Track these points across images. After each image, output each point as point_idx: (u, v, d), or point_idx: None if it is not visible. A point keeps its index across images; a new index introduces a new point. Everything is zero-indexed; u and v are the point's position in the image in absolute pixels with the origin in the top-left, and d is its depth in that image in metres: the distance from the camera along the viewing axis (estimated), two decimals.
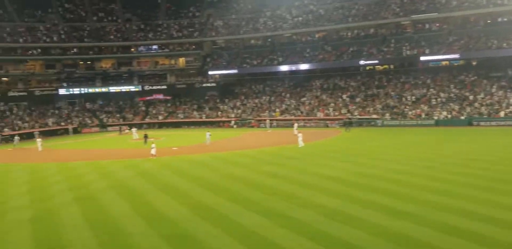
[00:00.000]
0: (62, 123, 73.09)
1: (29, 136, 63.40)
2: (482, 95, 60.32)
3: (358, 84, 72.14)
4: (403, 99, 64.75)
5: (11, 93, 75.24)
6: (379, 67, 74.83)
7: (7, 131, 64.20)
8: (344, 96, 69.75)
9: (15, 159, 43.83)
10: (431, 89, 64.74)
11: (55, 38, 79.64)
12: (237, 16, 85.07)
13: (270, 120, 67.29)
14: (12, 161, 42.69)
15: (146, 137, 49.95)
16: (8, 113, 72.35)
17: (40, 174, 33.59)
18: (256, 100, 76.03)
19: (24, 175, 33.26)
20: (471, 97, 60.64)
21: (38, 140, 51.29)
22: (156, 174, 30.68)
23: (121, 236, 16.87)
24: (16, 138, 54.78)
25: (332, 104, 68.26)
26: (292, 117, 67.48)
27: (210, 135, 48.72)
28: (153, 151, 38.68)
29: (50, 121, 72.57)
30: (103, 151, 47.93)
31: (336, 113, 65.78)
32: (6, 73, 77.21)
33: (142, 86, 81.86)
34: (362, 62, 70.24)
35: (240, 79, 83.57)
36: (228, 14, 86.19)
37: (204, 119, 74.51)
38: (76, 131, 71.96)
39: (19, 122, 69.29)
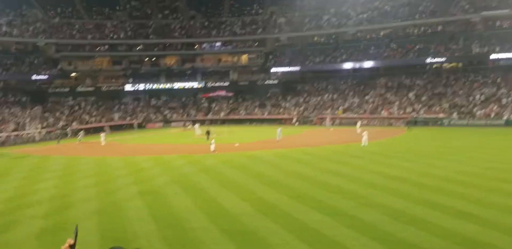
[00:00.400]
0: (127, 118, 74.91)
1: (97, 130, 65.32)
2: None
3: (424, 83, 70.33)
4: (472, 98, 62.64)
5: (79, 89, 77.70)
6: (447, 66, 72.70)
7: (75, 125, 66.31)
8: (410, 94, 68.18)
9: (83, 152, 45.13)
10: (502, 89, 62.32)
11: (121, 35, 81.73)
12: (301, 13, 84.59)
13: (331, 118, 66.63)
14: (79, 154, 43.97)
15: (208, 133, 50.27)
16: (76, 108, 74.71)
17: (106, 167, 34.44)
18: (319, 98, 75.45)
19: (90, 168, 34.18)
20: None
21: (102, 134, 52.37)
22: (218, 169, 30.85)
23: (183, 230, 16.98)
24: (81, 132, 56.21)
25: (397, 103, 66.87)
26: (355, 115, 66.58)
27: (281, 130, 48.94)
28: (212, 147, 38.92)
29: (116, 116, 74.51)
30: (166, 146, 48.71)
31: (401, 112, 64.41)
32: (75, 69, 79.84)
33: (205, 83, 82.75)
34: (428, 60, 68.43)
35: (302, 77, 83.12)
36: (291, 11, 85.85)
37: (266, 116, 74.60)
38: (140, 126, 73.58)
39: (87, 116, 71.45)
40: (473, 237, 15.02)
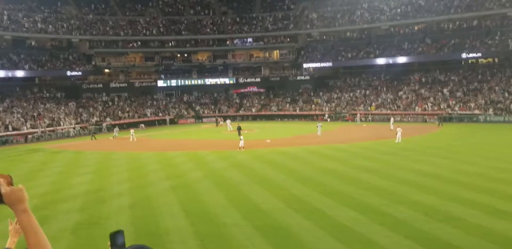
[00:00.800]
0: (160, 114, 75.57)
1: (131, 126, 66.11)
2: None
3: (459, 78, 69.08)
4: (508, 94, 61.29)
5: (112, 85, 78.63)
6: (483, 61, 71.25)
7: (109, 121, 67.20)
8: (444, 90, 67.06)
9: (116, 148, 45.68)
10: None
11: (154, 31, 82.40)
12: (333, 8, 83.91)
13: (360, 114, 66.01)
14: (113, 149, 44.52)
15: (239, 129, 50.20)
16: (110, 103, 75.67)
17: (139, 162, 34.82)
18: (351, 94, 74.84)
19: (124, 163, 34.59)
20: None
21: (132, 130, 52.22)
22: (250, 165, 30.88)
23: (215, 226, 17.04)
24: (116, 129, 56.70)
25: (431, 99, 65.87)
26: (388, 111, 65.84)
27: (321, 126, 49.36)
28: (241, 143, 38.93)
29: (148, 112, 75.23)
30: (198, 141, 48.98)
31: (435, 108, 63.44)
32: (109, 65, 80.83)
33: (237, 79, 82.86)
34: (464, 55, 67.07)
35: (334, 72, 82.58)
36: (323, 6, 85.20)
37: (297, 112, 74.36)
38: (172, 122, 74.11)
39: (120, 112, 72.31)
40: (510, 235, 14.70)
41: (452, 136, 45.33)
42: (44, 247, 2.65)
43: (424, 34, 74.54)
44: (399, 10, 76.42)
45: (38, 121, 60.29)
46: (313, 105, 74.74)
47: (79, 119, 65.39)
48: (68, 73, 72.39)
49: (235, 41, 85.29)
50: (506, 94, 61.37)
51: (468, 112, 60.39)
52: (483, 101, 61.36)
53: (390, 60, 73.64)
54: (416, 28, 76.68)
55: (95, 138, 54.25)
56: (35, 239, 2.63)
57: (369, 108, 68.98)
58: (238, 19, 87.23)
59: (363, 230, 15.77)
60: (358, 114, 65.53)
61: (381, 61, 74.72)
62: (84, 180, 27.65)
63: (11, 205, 2.60)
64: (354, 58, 77.21)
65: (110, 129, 62.66)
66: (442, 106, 63.05)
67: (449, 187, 21.85)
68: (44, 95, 70.84)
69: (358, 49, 77.92)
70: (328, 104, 73.53)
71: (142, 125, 66.80)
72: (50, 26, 73.65)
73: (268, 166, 30.16)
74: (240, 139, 39.37)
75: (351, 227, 16.21)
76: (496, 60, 70.14)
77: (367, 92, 74.04)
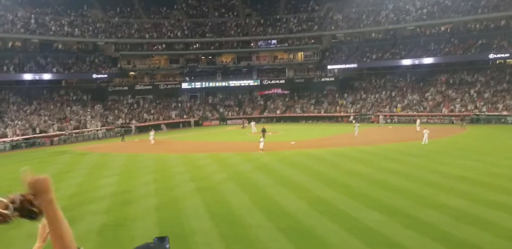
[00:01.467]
0: (185, 116, 75.93)
1: (156, 128, 66.74)
2: None
3: (487, 79, 68.03)
4: None
5: (137, 87, 79.24)
6: (511, 61, 70.08)
7: (135, 123, 67.75)
8: (472, 91, 66.13)
9: (142, 150, 45.98)
10: None
11: (178, 34, 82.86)
12: (358, 9, 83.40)
13: (385, 116, 65.36)
14: (139, 151, 44.83)
15: (264, 131, 49.70)
16: (135, 106, 76.30)
17: (165, 164, 35.00)
18: (377, 95, 74.28)
19: (150, 165, 34.80)
20: None
21: (151, 133, 51.12)
22: (275, 167, 30.83)
23: (240, 228, 17.02)
24: (152, 132, 52.40)
25: (458, 100, 65.01)
26: (414, 113, 65.15)
27: (359, 126, 50.63)
28: (261, 145, 38.78)
29: (173, 114, 75.65)
30: (223, 143, 49.06)
31: (462, 110, 62.59)
32: (134, 67, 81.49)
33: (261, 81, 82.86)
34: (491, 56, 66.06)
35: (359, 74, 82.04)
36: (348, 7, 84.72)
37: (322, 114, 74.06)
38: (197, 124, 74.41)
39: (145, 114, 72.86)
40: None
41: (480, 137, 44.66)
42: (68, 240, 2.63)
43: (451, 35, 73.61)
44: (425, 10, 75.59)
45: (65, 124, 61.07)
46: (337, 107, 74.35)
47: (104, 121, 66.04)
48: (94, 76, 73.20)
49: (259, 43, 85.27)
50: None
51: (496, 113, 59.47)
52: (511, 102, 60.36)
53: (416, 61, 72.88)
54: (442, 28, 75.76)
55: (124, 139, 54.67)
56: (59, 231, 2.61)
57: (394, 110, 68.36)
58: (262, 21, 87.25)
59: (389, 233, 15.60)
60: (381, 116, 64.81)
61: (406, 62, 74.01)
62: (111, 181, 27.88)
63: (37, 195, 2.57)
64: (379, 59, 76.64)
65: (139, 130, 63.51)
66: (469, 108, 62.18)
67: (476, 189, 21.50)
68: (71, 98, 71.72)
69: (383, 50, 77.30)
70: (353, 106, 73.08)
71: (164, 126, 67.02)
72: (77, 29, 74.58)
73: (293, 168, 30.06)
74: (260, 141, 39.21)
75: (377, 229, 16.04)
76: None
77: (393, 93, 73.39)
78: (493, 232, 15.17)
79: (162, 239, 3.08)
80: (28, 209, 2.60)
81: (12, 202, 2.58)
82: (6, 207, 2.56)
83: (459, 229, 15.75)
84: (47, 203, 2.59)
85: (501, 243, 14.22)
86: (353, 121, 63.62)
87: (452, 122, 60.50)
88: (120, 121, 67.71)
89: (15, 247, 15.01)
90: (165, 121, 71.29)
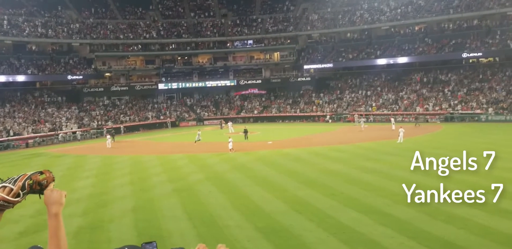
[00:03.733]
0: (161, 117, 75.53)
1: (132, 129, 66.62)
2: None
3: (460, 78, 69.00)
4: (510, 93, 61.21)
5: (113, 88, 78.56)
6: (483, 60, 71.16)
7: (110, 124, 67.22)
8: (445, 90, 67.02)
9: (118, 151, 45.62)
10: None
11: (154, 35, 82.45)
12: (333, 9, 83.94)
13: (359, 115, 65.80)
14: (115, 153, 44.47)
15: (246, 131, 49.25)
16: (111, 107, 75.70)
17: (142, 165, 34.79)
18: (352, 95, 74.82)
19: (126, 166, 34.58)
20: None
21: (108, 136, 50.39)
22: (252, 167, 30.85)
23: (218, 228, 17.02)
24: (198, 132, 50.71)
25: (432, 99, 65.83)
26: (390, 112, 65.76)
27: (365, 121, 53.29)
28: (230, 145, 38.74)
29: (149, 115, 75.23)
30: (200, 144, 48.86)
31: (437, 108, 63.39)
32: (109, 68, 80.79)
33: (238, 81, 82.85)
34: (464, 55, 67.02)
35: (335, 73, 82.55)
36: (323, 8, 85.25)
37: (298, 114, 74.35)
38: (174, 125, 74.07)
39: (121, 116, 72.31)
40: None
41: (454, 135, 45.24)
42: None
43: (425, 34, 74.49)
44: (399, 10, 76.41)
45: (39, 126, 60.31)
46: (314, 107, 74.71)
47: (80, 123, 65.37)
48: (69, 77, 72.42)
49: (236, 43, 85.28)
50: (508, 94, 61.30)
51: (469, 111, 60.33)
52: (484, 100, 61.31)
53: (391, 61, 73.63)
54: (416, 28, 76.62)
55: (113, 140, 54.05)
56: (58, 241, 2.76)
57: (370, 109, 68.91)
58: (238, 21, 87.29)
59: (366, 231, 15.73)
60: (356, 115, 65.16)
61: (381, 61, 74.73)
62: (86, 183, 27.64)
63: (48, 205, 2.79)
64: (354, 59, 77.24)
65: (125, 131, 64.47)
66: (443, 106, 62.99)
67: (453, 186, 21.73)
68: (45, 100, 70.86)
69: (359, 50, 77.91)
70: (330, 106, 73.51)
71: (122, 127, 65.60)
72: (51, 30, 73.73)
73: (270, 168, 30.12)
74: (229, 141, 39.10)
75: (354, 228, 16.17)
76: (497, 59, 70.03)
77: (368, 93, 74.01)
78: (468, 229, 15.41)
79: (150, 244, 3.15)
80: (37, 190, 2.82)
81: (22, 188, 2.74)
82: (15, 194, 2.70)
83: (435, 226, 15.95)
84: (54, 215, 2.82)
85: (476, 240, 14.45)
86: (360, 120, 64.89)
87: (427, 121, 61.20)
88: (96, 123, 67.07)
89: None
90: (141, 123, 70.92)
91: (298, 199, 20.79)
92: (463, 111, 60.68)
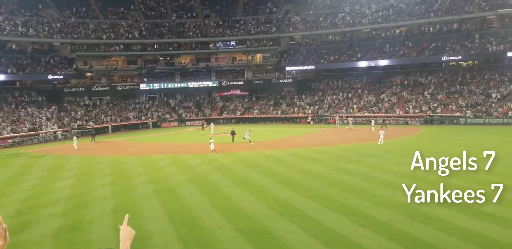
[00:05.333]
0: (143, 118, 75.21)
1: (113, 130, 66.31)
2: None
3: (440, 81, 69.78)
4: (488, 96, 62.06)
5: (94, 88, 78.04)
6: (463, 64, 72.05)
7: (91, 124, 66.79)
8: (425, 93, 67.72)
9: (99, 152, 45.39)
10: None
11: (136, 35, 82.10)
12: (315, 11, 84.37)
13: (340, 117, 66.14)
14: (96, 153, 44.23)
15: (233, 133, 48.40)
16: (92, 107, 75.20)
17: (122, 166, 34.64)
18: (334, 97, 75.24)
19: (107, 167, 34.39)
20: None
21: (74, 138, 49.54)
22: (234, 168, 30.88)
23: (199, 229, 17.03)
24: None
25: (413, 101, 66.46)
26: (370, 114, 66.26)
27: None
28: (211, 146, 38.71)
29: (131, 115, 74.87)
30: (182, 145, 48.85)
31: (417, 111, 64.01)
32: (91, 68, 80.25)
33: (220, 82, 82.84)
34: (444, 58, 67.81)
35: (317, 75, 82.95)
36: (306, 10, 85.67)
37: (280, 115, 74.56)
38: (155, 125, 73.79)
39: (103, 116, 71.85)
40: (492, 237, 14.90)
41: (433, 137, 45.74)
42: None
43: (405, 37, 75.22)
44: (380, 13, 77.05)
45: (19, 126, 59.70)
46: (296, 108, 74.98)
47: (60, 123, 64.82)
48: (50, 77, 71.78)
49: (218, 44, 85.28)
50: (487, 97, 62.13)
51: (448, 114, 61.05)
52: (464, 103, 62.07)
53: (372, 63, 74.25)
54: (397, 31, 77.33)
55: (94, 140, 53.65)
56: None
57: (351, 111, 69.35)
58: (220, 22, 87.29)
59: (346, 233, 15.87)
60: (337, 117, 65.50)
61: (363, 64, 75.28)
62: (67, 184, 27.45)
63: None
64: (336, 61, 77.72)
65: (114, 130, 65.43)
66: (423, 109, 63.64)
67: (431, 188, 21.99)
68: (25, 100, 70.16)
69: (340, 52, 78.38)
70: (311, 107, 73.84)
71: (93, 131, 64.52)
72: (31, 29, 73.04)
73: (252, 169, 30.18)
74: (210, 142, 39.07)
75: (334, 229, 16.30)
76: (476, 63, 70.94)
77: (349, 95, 74.48)
78: (446, 231, 15.61)
79: None
80: None
81: None
82: None
83: (413, 227, 16.16)
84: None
85: (454, 241, 14.66)
86: (311, 121, 65.36)
87: (407, 123, 61.80)
88: (77, 123, 66.57)
89: None
90: (123, 123, 70.63)
91: (279, 200, 20.89)
92: (443, 114, 61.38)
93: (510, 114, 57.04)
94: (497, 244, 14.19)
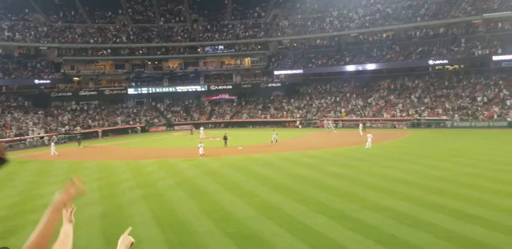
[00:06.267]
0: (131, 122, 74.92)
1: (97, 135, 65.99)
2: None
3: (427, 85, 70.23)
4: (474, 100, 62.54)
5: (82, 93, 77.67)
6: (449, 67, 72.61)
7: (78, 129, 66.40)
8: (412, 96, 68.10)
9: (86, 157, 45.14)
10: (504, 90, 62.17)
11: (124, 39, 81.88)
12: (303, 16, 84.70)
13: (327, 120, 66.29)
14: (83, 158, 43.99)
15: (225, 138, 47.72)
16: (79, 112, 74.79)
17: (110, 171, 34.47)
18: (322, 101, 75.43)
19: (94, 172, 34.21)
20: None
21: (52, 144, 48.58)
22: (222, 173, 30.84)
23: (187, 234, 16.97)
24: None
25: (400, 105, 66.81)
26: (358, 118, 66.48)
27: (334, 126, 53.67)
28: (200, 150, 38.64)
29: (119, 120, 74.54)
30: (170, 149, 48.72)
31: (404, 114, 64.36)
32: (78, 73, 79.95)
33: (208, 86, 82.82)
34: (431, 62, 68.30)
35: (305, 79, 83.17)
36: (294, 14, 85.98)
37: (269, 119, 74.61)
38: (144, 130, 73.53)
39: (90, 121, 71.47)
40: (477, 239, 14.98)
41: (420, 141, 46.02)
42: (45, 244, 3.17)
43: (392, 42, 75.72)
44: (368, 18, 77.50)
45: (5, 131, 59.24)
46: (284, 112, 75.10)
47: (47, 128, 64.38)
48: (36, 81, 71.42)
49: (206, 48, 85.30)
50: (472, 100, 62.60)
51: (435, 118, 61.42)
52: (450, 107, 62.49)
53: (360, 67, 74.62)
54: (384, 35, 77.81)
55: (80, 145, 53.34)
56: (46, 234, 3.26)
57: (339, 114, 69.57)
58: (209, 27, 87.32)
59: (335, 236, 15.88)
60: (325, 121, 65.65)
61: (350, 68, 75.62)
62: (54, 189, 27.09)
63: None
64: (324, 65, 78.03)
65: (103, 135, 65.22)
66: (410, 112, 63.98)
67: (418, 192, 22.15)
68: (12, 104, 69.64)
69: (328, 57, 78.72)
70: (300, 111, 73.97)
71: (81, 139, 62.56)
72: (17, 33, 72.65)
73: (240, 173, 30.17)
74: (199, 147, 38.96)
75: (323, 233, 16.30)
76: (462, 66, 71.50)
77: (337, 99, 74.71)
78: (434, 233, 15.67)
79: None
80: None
81: None
82: None
83: (401, 231, 16.19)
84: (58, 209, 3.32)
85: (442, 244, 14.71)
86: (300, 125, 65.67)
87: (395, 127, 62.09)
88: (65, 128, 66.14)
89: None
90: (111, 128, 70.31)
91: (268, 205, 20.87)
92: (430, 118, 61.75)
93: (495, 118, 57.48)
94: (485, 247, 14.27)
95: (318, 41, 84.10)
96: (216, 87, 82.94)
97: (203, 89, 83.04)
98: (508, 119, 56.15)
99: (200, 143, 40.66)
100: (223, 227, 17.55)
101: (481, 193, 21.30)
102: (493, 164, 29.63)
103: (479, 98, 62.37)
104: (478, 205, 19.04)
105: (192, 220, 18.80)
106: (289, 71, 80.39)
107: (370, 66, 73.52)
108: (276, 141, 47.01)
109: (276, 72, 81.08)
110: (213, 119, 78.64)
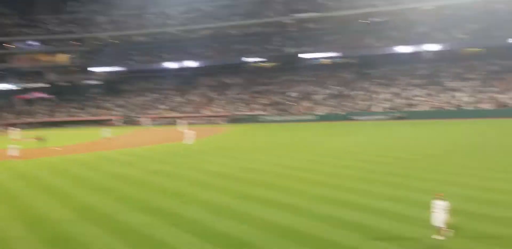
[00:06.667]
0: None
1: None
2: (359, 91, 63.51)
3: (245, 82, 73.12)
4: (287, 95, 66.49)
5: None
6: (265, 65, 76.33)
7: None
8: (231, 93, 70.42)
9: None
10: (314, 86, 67.04)
11: None
12: (123, 12, 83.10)
13: (145, 117, 66.28)
14: None
15: (41, 138, 45.46)
16: None
17: None
18: (142, 98, 74.83)
19: None
20: (349, 93, 63.60)
21: None
22: (36, 175, 29.28)
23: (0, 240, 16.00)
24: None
25: (219, 101, 68.69)
26: (178, 114, 67.13)
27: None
28: (13, 152, 36.48)
29: None
30: None
31: (223, 110, 66.32)
32: None
33: (22, 84, 77.89)
34: (247, 59, 71.31)
35: (125, 77, 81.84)
36: (112, 10, 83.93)
37: (88, 117, 72.17)
38: None
39: None
40: (292, 226, 15.97)
41: (240, 136, 47.92)
42: None
43: (212, 40, 77.47)
44: (187, 16, 78.42)
45: None
46: (104, 110, 73.20)
47: None
48: None
49: (18, 44, 79.90)
50: (286, 96, 66.57)
51: (252, 113, 64.23)
52: (266, 102, 65.80)
53: (180, 65, 75.32)
54: (204, 33, 79.30)
55: None
56: None
57: (160, 111, 69.63)
58: (19, 21, 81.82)
59: (155, 233, 15.97)
60: (144, 118, 65.42)
61: (171, 65, 76.07)
62: None
63: None
64: (145, 62, 77.44)
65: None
66: (228, 108, 66.15)
67: (235, 184, 23.15)
68: None
69: (149, 54, 78.30)
70: (120, 109, 72.64)
71: None
72: None
73: (56, 175, 28.92)
74: (10, 148, 36.72)
75: (143, 231, 16.31)
76: (276, 64, 75.59)
77: (158, 96, 74.68)
78: (251, 224, 16.48)
79: None
80: None
81: None
82: None
83: (220, 223, 16.77)
84: None
85: (258, 233, 15.47)
86: (119, 123, 64.53)
87: (214, 123, 63.81)
88: None
89: None
90: None
91: (85, 206, 20.37)
92: (247, 113, 64.42)
93: (306, 112, 61.77)
94: (300, 234, 15.21)
95: (139, 38, 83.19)
96: (30, 85, 78.28)
97: (15, 87, 77.79)
98: (316, 113, 60.72)
99: (13, 144, 38.12)
100: (38, 232, 16.81)
101: (295, 182, 22.87)
102: (307, 154, 31.95)
103: (292, 94, 66.45)
104: (292, 194, 20.45)
105: (3, 225, 17.74)
106: (108, 68, 78.52)
107: (191, 64, 74.60)
108: (109, 138, 46.25)
109: (94, 69, 78.77)
110: (28, 120, 73.95)
